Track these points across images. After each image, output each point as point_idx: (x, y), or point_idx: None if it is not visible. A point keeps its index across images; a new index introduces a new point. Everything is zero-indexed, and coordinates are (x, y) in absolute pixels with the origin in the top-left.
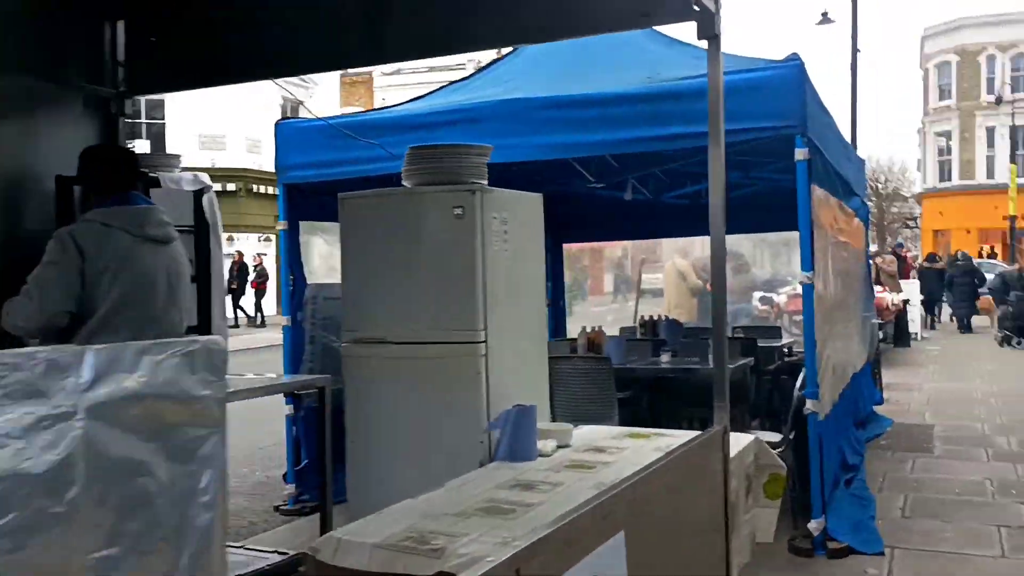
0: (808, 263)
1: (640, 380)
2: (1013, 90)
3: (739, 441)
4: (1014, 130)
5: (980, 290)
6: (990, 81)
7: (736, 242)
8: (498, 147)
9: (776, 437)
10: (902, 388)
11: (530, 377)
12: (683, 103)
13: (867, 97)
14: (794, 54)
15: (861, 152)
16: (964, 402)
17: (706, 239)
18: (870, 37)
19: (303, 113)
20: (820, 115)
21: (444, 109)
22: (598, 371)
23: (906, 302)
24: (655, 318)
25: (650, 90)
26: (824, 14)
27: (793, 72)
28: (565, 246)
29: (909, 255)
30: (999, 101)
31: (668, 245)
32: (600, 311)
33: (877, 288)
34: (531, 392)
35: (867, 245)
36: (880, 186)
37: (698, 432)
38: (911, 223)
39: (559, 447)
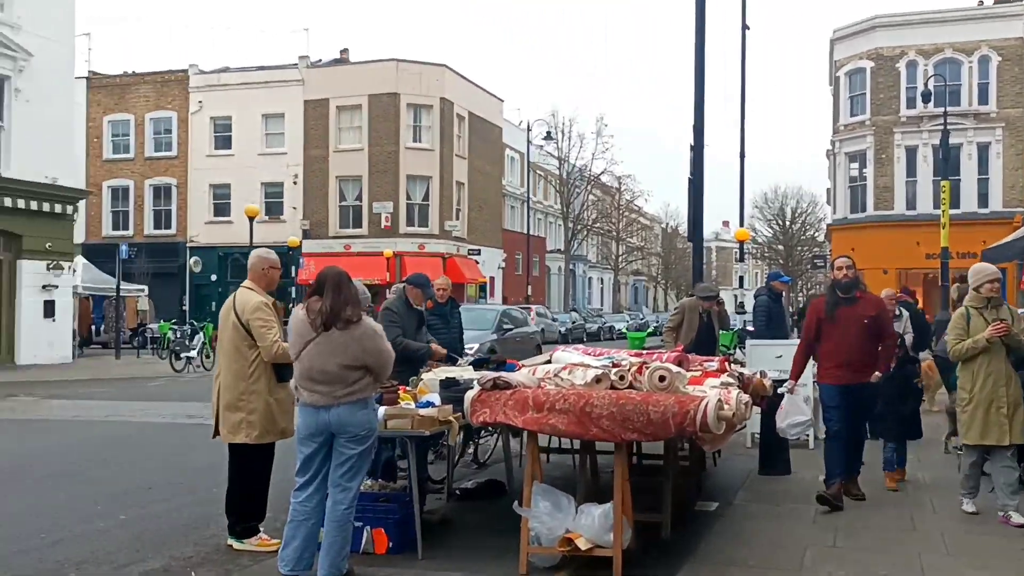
0: None
1: None
2: (934, 102)
3: None
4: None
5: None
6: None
7: None
8: None
9: None
10: None
11: None
12: None
13: (785, 114)
14: None
15: (768, 180)
16: None
17: None
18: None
19: (8, 95)
20: None
21: None
22: None
23: (779, 384)
24: None
25: None
26: None
27: None
28: None
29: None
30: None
31: None
32: None
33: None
34: None
35: None
36: (788, 222)
37: None
38: (819, 262)
39: None
